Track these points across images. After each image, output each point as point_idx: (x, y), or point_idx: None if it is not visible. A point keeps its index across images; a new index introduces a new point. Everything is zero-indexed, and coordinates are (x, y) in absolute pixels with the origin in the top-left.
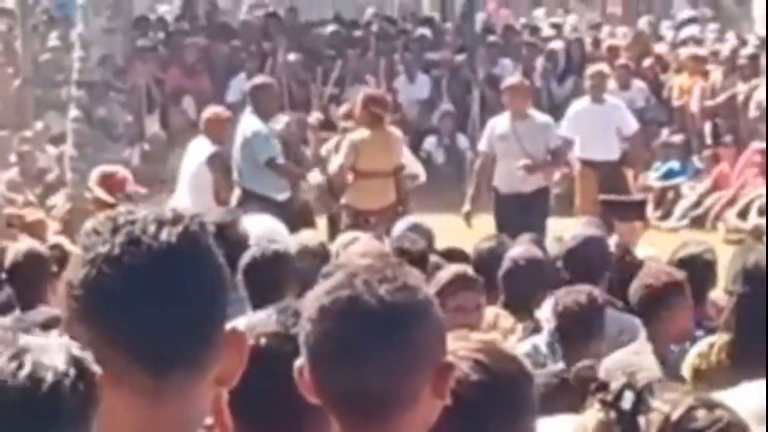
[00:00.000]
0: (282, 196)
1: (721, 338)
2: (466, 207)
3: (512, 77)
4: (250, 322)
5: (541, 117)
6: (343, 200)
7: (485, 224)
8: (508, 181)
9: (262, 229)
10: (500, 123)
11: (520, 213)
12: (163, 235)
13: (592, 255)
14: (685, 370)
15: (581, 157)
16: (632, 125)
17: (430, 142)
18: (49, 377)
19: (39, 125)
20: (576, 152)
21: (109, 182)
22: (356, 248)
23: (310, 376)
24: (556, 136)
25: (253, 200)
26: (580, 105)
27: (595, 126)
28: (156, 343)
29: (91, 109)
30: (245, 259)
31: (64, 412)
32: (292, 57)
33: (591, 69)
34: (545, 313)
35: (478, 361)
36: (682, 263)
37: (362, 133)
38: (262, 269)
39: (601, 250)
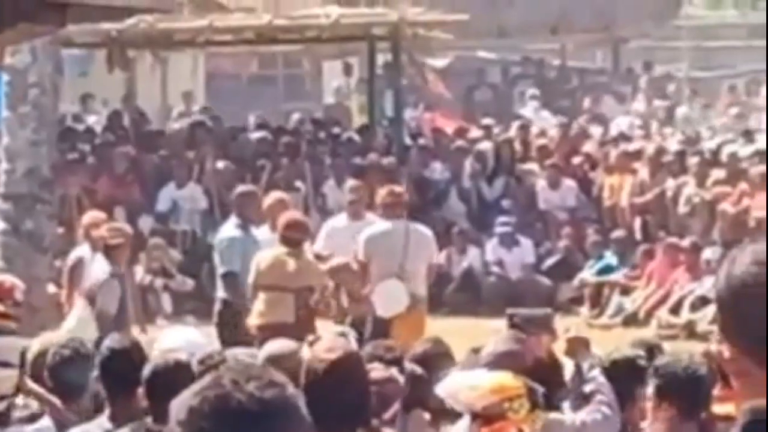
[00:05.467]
0: None
1: None
2: None
3: (243, 186)
4: None
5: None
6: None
7: None
8: None
9: (179, 340)
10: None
11: None
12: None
13: (509, 371)
14: None
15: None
16: None
17: None
18: None
19: None
20: None
21: None
22: (322, 344)
23: None
24: None
25: None
26: (337, 222)
27: (352, 244)
28: None
29: (18, 221)
30: (146, 370)
31: None
32: (220, 165)
33: (350, 183)
34: None
35: None
36: (615, 365)
37: (272, 250)
38: (162, 380)
39: (517, 364)
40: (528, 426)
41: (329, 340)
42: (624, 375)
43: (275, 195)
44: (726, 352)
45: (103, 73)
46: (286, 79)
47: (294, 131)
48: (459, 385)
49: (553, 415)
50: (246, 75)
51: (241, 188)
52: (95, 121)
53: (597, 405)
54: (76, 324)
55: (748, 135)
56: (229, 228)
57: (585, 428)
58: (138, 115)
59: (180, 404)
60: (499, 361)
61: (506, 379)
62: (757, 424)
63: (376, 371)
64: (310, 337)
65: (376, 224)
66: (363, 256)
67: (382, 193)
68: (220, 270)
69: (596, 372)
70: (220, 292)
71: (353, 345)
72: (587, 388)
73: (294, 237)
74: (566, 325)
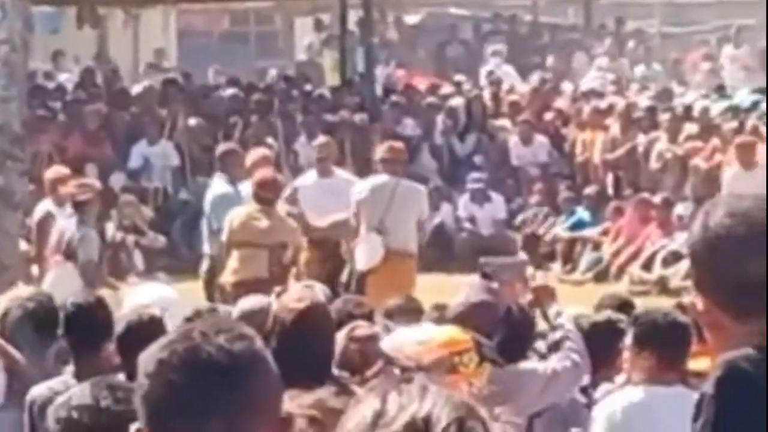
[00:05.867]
0: None
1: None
2: None
3: (224, 144)
4: (66, 396)
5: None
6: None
7: None
8: None
9: (151, 297)
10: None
11: None
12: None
13: (481, 321)
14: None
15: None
16: None
17: None
18: None
19: None
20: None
21: None
22: (290, 295)
23: None
24: None
25: None
26: (307, 180)
27: (321, 201)
28: None
29: None
30: (120, 326)
31: None
32: (192, 122)
33: (319, 140)
34: None
35: (313, 417)
36: (596, 327)
37: (244, 207)
38: (136, 335)
39: (489, 315)
40: (477, 379)
41: (297, 291)
42: (603, 336)
43: (259, 152)
44: (699, 304)
45: (74, 31)
46: (258, 36)
47: (266, 88)
48: (405, 340)
49: (524, 365)
50: (217, 32)
51: (223, 146)
52: (67, 78)
53: (566, 352)
54: (55, 281)
55: (721, 90)
56: (220, 185)
57: (556, 376)
58: (111, 72)
59: (148, 357)
60: (470, 312)
61: (454, 332)
62: (730, 378)
63: (360, 329)
64: (278, 289)
65: (371, 178)
66: (354, 207)
67: (382, 148)
68: (214, 226)
69: (563, 319)
70: (208, 249)
71: (320, 297)
72: (556, 335)
73: (266, 196)
74: (531, 275)
